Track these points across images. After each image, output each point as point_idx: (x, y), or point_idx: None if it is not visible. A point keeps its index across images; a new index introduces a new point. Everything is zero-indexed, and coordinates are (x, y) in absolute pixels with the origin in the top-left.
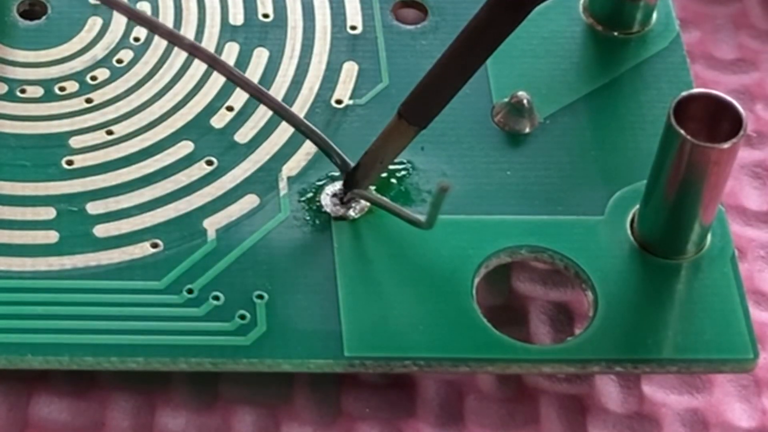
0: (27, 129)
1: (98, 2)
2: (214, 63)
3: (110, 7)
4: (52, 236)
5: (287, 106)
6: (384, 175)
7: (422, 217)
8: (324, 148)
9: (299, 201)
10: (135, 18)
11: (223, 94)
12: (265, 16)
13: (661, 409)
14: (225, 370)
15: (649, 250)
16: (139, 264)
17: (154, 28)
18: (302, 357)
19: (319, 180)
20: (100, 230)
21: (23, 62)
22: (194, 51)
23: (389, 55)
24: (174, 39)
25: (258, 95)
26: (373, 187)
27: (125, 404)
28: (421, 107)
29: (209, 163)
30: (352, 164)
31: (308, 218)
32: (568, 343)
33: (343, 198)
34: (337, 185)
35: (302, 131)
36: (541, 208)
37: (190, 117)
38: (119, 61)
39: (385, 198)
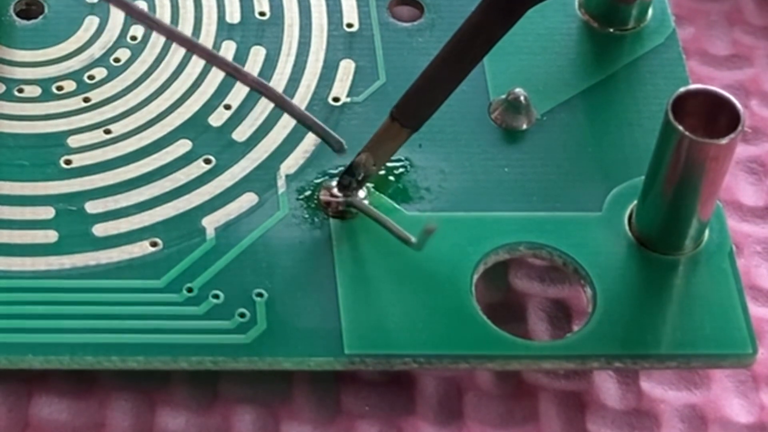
0: (25, 129)
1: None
2: (212, 59)
3: (109, 2)
4: (51, 236)
5: (287, 98)
6: (382, 172)
7: (413, 239)
8: (323, 136)
9: (298, 199)
10: (134, 14)
11: (220, 93)
12: (262, 14)
13: (659, 405)
14: (225, 369)
15: (647, 246)
16: (139, 263)
17: (153, 25)
18: (302, 355)
19: (318, 177)
20: (99, 229)
21: (21, 62)
22: (192, 48)
23: (386, 52)
24: (172, 36)
25: (258, 88)
26: (371, 185)
27: (125, 404)
28: (413, 110)
29: (207, 161)
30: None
31: (307, 216)
32: (568, 339)
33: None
34: (335, 182)
35: (303, 122)
36: (539, 204)
37: (187, 115)
38: (116, 60)
39: (380, 213)
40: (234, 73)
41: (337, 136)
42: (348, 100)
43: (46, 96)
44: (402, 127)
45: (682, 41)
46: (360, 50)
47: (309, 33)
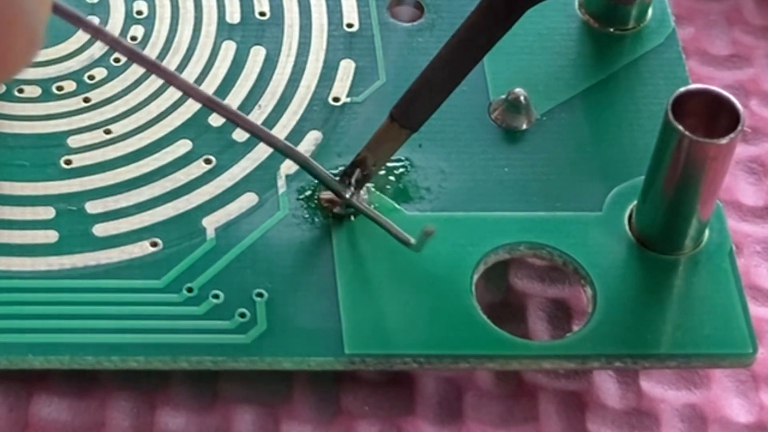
0: (25, 129)
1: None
2: (189, 90)
3: (99, 39)
4: (51, 236)
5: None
6: (382, 172)
7: (412, 240)
8: (326, 182)
9: (298, 199)
10: (118, 48)
11: (221, 93)
12: (262, 14)
13: (659, 404)
14: (225, 369)
15: (647, 246)
16: (139, 263)
17: (136, 58)
18: (302, 354)
19: None
20: (100, 229)
21: None
22: (172, 79)
23: (386, 52)
24: (154, 69)
25: (260, 134)
26: (371, 185)
27: (125, 404)
28: (412, 111)
29: (207, 161)
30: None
31: (307, 216)
32: (568, 339)
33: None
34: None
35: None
36: (539, 204)
37: (188, 115)
38: (116, 60)
39: (379, 213)
40: (237, 120)
41: (338, 185)
42: (348, 100)
43: (47, 96)
44: (401, 127)
45: (681, 41)
46: (360, 50)
47: (309, 33)
